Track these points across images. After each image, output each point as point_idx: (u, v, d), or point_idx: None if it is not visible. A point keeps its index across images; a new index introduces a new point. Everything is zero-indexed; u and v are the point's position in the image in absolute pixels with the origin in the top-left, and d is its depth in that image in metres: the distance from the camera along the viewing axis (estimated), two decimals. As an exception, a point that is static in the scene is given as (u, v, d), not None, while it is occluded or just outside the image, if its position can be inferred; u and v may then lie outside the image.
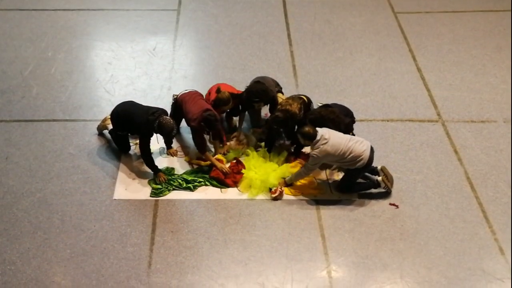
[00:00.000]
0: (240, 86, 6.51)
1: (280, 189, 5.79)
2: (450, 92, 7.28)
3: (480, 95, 7.24)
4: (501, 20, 8.72)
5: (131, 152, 6.25)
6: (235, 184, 5.92)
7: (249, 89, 6.07)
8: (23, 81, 7.22)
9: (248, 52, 7.92)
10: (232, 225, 5.54)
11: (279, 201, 5.78)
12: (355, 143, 5.50)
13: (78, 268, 5.12)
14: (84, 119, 6.66)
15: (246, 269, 5.16)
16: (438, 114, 6.92)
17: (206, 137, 6.19)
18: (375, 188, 5.84)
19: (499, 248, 5.41)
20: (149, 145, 5.75)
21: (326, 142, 5.41)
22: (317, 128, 5.51)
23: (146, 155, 5.81)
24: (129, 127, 5.89)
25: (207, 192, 5.87)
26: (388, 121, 6.78)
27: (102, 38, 8.13)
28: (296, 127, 5.90)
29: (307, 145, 5.67)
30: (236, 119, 6.54)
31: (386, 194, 5.87)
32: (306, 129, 5.50)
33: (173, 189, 5.86)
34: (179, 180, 5.89)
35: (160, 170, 5.93)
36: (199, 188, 5.89)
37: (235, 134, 6.35)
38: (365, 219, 5.64)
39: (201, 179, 5.94)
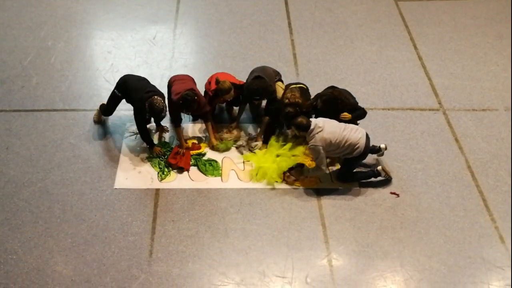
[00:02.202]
0: (241, 75, 6.49)
1: (293, 179, 5.86)
2: (451, 80, 7.26)
3: (481, 84, 7.22)
4: (502, 8, 8.67)
5: (132, 142, 6.25)
6: (175, 165, 6.00)
7: (249, 86, 6.05)
8: (23, 71, 7.21)
9: (249, 40, 7.89)
10: (232, 214, 5.56)
11: (280, 190, 5.79)
12: (350, 131, 5.50)
13: (79, 257, 5.14)
14: (85, 108, 6.65)
15: (247, 258, 5.18)
16: (439, 103, 6.90)
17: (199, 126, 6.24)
18: (375, 177, 5.84)
19: (499, 236, 5.42)
20: (143, 121, 5.90)
21: (321, 130, 5.41)
22: (311, 119, 5.53)
23: (141, 130, 5.95)
24: (126, 97, 5.99)
25: (208, 182, 5.88)
26: (389, 109, 6.77)
27: (102, 27, 8.09)
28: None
29: (302, 136, 5.67)
30: (236, 109, 6.53)
31: (387, 183, 5.87)
32: (299, 119, 5.49)
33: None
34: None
35: (154, 145, 6.09)
36: (200, 177, 5.91)
37: (232, 125, 6.36)
38: (365, 208, 5.65)
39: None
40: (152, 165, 6.02)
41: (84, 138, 6.27)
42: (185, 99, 5.78)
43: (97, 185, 5.78)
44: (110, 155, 6.11)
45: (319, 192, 5.79)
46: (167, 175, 5.93)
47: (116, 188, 5.76)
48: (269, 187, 5.82)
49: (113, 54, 7.55)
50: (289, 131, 6.31)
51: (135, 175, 5.91)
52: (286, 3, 8.68)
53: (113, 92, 6.12)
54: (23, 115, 6.55)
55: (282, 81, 6.43)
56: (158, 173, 5.93)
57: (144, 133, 5.98)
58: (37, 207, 5.56)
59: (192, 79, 6.29)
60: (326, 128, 5.44)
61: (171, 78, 6.28)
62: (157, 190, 5.77)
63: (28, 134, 6.30)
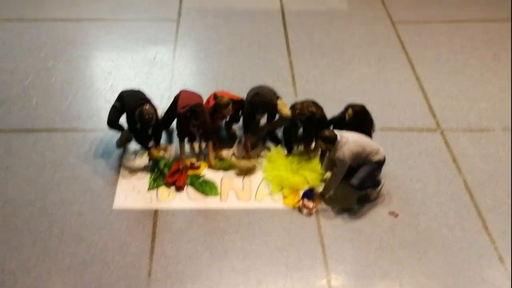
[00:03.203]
0: (240, 95, 6.52)
1: (314, 207, 5.80)
2: (449, 101, 7.31)
3: (479, 104, 7.27)
4: (498, 30, 8.77)
5: (131, 162, 6.27)
6: (171, 184, 6.02)
7: (251, 101, 6.13)
8: (23, 91, 7.24)
9: (248, 61, 7.96)
10: (231, 234, 5.55)
11: (279, 210, 5.79)
12: (368, 141, 5.64)
13: (77, 277, 5.11)
14: (84, 128, 6.68)
15: (246, 278, 5.16)
16: (437, 123, 6.94)
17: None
18: (376, 187, 5.86)
19: (499, 256, 5.42)
20: (134, 125, 5.93)
21: (347, 141, 5.47)
22: (334, 130, 5.61)
23: (134, 133, 6.08)
24: (122, 105, 6.06)
25: (207, 202, 5.88)
26: (387, 130, 6.80)
27: (102, 48, 8.16)
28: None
29: (329, 149, 5.65)
30: (235, 127, 6.57)
31: (386, 203, 5.87)
32: (327, 133, 5.54)
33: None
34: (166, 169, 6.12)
35: (149, 148, 6.14)
36: (198, 197, 5.91)
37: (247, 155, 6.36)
38: (364, 228, 5.64)
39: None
40: (150, 173, 6.11)
41: (83, 158, 6.29)
42: (194, 110, 5.85)
43: (96, 205, 5.77)
44: (109, 175, 6.11)
45: (318, 212, 5.79)
46: (160, 185, 5.98)
47: (115, 208, 5.75)
48: (268, 207, 5.82)
49: (113, 75, 7.60)
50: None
51: (134, 195, 5.91)
52: (285, 25, 8.78)
53: (114, 104, 6.18)
54: (23, 135, 6.57)
55: (281, 98, 6.48)
56: (150, 180, 6.02)
57: (137, 136, 6.08)
58: (35, 227, 5.54)
59: (199, 95, 6.31)
60: (350, 138, 5.51)
61: (178, 93, 6.30)
62: (156, 210, 5.76)
63: (27, 154, 6.31)
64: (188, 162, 6.22)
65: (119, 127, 6.23)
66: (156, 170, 6.10)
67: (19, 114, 6.88)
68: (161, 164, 6.12)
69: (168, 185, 6.00)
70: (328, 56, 8.12)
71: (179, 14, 8.94)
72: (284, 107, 6.22)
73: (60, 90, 7.30)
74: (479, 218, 5.77)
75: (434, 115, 7.07)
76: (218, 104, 6.06)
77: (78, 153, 6.35)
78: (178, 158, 6.23)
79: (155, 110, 5.90)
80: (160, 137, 6.33)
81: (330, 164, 5.93)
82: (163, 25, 8.68)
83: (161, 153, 6.25)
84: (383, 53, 8.22)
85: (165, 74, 7.65)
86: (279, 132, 6.58)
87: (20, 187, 5.94)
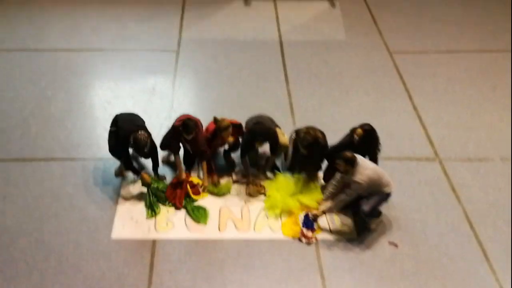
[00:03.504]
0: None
1: (314, 236, 5.79)
2: (447, 130, 7.34)
3: (477, 134, 7.30)
4: (495, 60, 8.86)
5: (129, 191, 6.25)
6: (173, 200, 6.08)
7: (251, 129, 6.16)
8: (22, 120, 7.26)
9: (247, 91, 8.01)
10: (230, 265, 5.49)
11: (278, 241, 5.74)
12: (384, 173, 5.63)
13: (74, 309, 5.05)
14: (83, 157, 6.67)
15: (245, 310, 5.10)
16: (435, 153, 6.95)
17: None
18: (378, 217, 5.88)
19: (500, 287, 5.36)
20: (126, 150, 5.98)
21: (368, 167, 5.49)
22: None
23: (124, 159, 6.11)
24: (118, 129, 6.07)
25: (205, 232, 5.84)
26: (385, 159, 6.79)
27: (102, 78, 8.21)
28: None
29: (346, 171, 5.59)
30: (234, 155, 6.58)
31: (386, 233, 5.84)
32: (349, 155, 5.52)
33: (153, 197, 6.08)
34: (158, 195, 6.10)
35: (139, 172, 6.15)
36: (197, 227, 5.88)
37: (249, 180, 6.35)
38: (364, 259, 5.60)
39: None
40: (144, 202, 6.08)
41: (82, 187, 6.27)
42: (186, 124, 5.87)
43: (93, 235, 5.73)
44: (107, 205, 6.08)
45: (317, 242, 5.76)
46: (158, 213, 5.97)
47: (112, 238, 5.71)
48: (267, 237, 5.78)
49: (113, 104, 7.63)
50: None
51: (132, 225, 5.88)
52: (283, 55, 8.86)
53: (110, 129, 6.21)
54: (22, 164, 6.56)
55: (279, 127, 6.51)
56: (146, 209, 6.00)
57: (127, 162, 6.11)
58: (32, 257, 5.49)
59: (199, 120, 6.33)
60: (370, 165, 5.54)
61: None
62: (154, 240, 5.72)
63: (26, 184, 6.29)
64: (195, 180, 6.25)
65: (120, 155, 6.23)
66: (148, 195, 6.06)
67: (18, 143, 6.88)
68: (153, 188, 6.08)
69: (167, 202, 6.04)
70: (326, 86, 8.18)
71: (179, 44, 9.03)
72: (282, 135, 6.25)
73: (59, 119, 7.32)
74: (479, 248, 5.74)
75: (432, 145, 7.08)
76: (219, 127, 6.05)
77: (77, 182, 6.33)
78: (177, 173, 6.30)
79: (149, 136, 5.91)
80: (157, 165, 6.31)
81: (338, 188, 5.92)
82: (163, 56, 8.75)
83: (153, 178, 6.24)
84: (381, 82, 8.28)
85: (164, 104, 7.68)
86: (277, 160, 6.59)
87: (17, 217, 5.90)
